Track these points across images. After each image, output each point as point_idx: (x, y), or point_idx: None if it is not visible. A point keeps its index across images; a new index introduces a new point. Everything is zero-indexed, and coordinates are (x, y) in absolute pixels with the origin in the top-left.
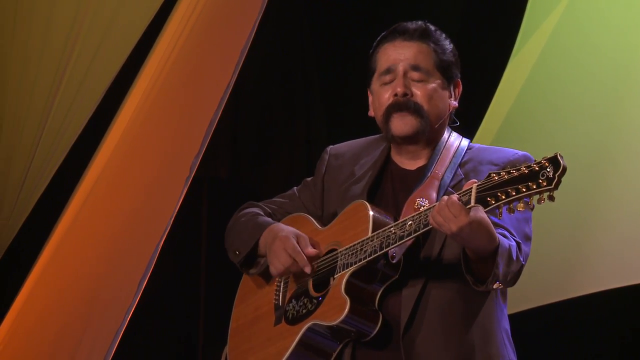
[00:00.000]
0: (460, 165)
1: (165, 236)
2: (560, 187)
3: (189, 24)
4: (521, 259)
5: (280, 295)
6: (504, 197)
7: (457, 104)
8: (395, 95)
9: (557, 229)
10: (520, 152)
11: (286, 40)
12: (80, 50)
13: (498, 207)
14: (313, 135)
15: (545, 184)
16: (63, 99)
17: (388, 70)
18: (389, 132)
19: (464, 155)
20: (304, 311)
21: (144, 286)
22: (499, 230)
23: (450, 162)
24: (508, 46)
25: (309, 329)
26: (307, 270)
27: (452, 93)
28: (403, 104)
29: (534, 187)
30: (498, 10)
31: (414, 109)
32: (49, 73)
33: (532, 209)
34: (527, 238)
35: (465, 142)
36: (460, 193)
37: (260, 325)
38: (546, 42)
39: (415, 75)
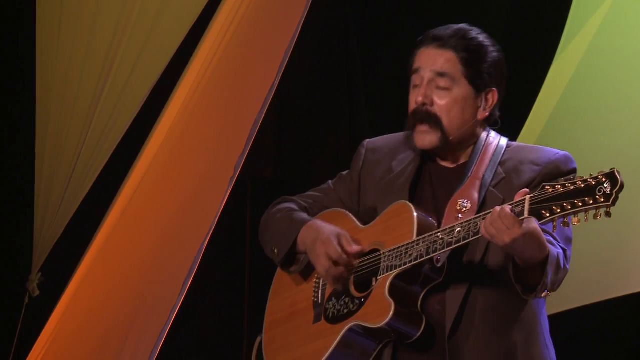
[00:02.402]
0: (500, 163)
1: (209, 236)
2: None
3: (233, 24)
4: (567, 266)
5: (320, 292)
6: (559, 210)
7: (487, 114)
8: (417, 103)
9: (606, 228)
10: (561, 152)
11: (330, 40)
12: (125, 51)
13: (552, 220)
14: (357, 135)
15: (602, 199)
16: (108, 99)
17: (416, 70)
18: (412, 142)
19: (503, 153)
20: (345, 311)
21: (188, 285)
22: (546, 237)
23: (490, 161)
24: (553, 45)
25: (350, 329)
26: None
27: (484, 102)
28: (420, 114)
29: (591, 202)
30: (543, 9)
31: (432, 120)
32: (93, 74)
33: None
34: (569, 241)
35: (504, 141)
36: (513, 204)
37: (298, 322)
38: (591, 40)
39: (440, 82)
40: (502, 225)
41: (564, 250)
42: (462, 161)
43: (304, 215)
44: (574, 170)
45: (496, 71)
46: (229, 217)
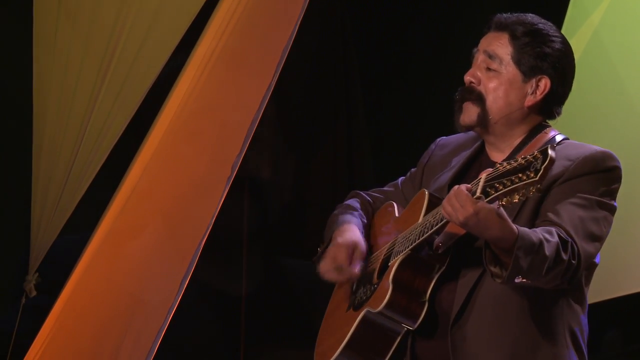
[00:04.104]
0: None
1: (206, 236)
2: None
3: (231, 22)
4: (564, 257)
5: (356, 282)
6: (501, 187)
7: (535, 102)
8: (465, 82)
9: None
10: (600, 149)
11: (328, 39)
12: (122, 51)
13: (498, 197)
14: (354, 135)
15: (532, 174)
16: (105, 99)
17: (474, 53)
18: (457, 123)
19: None
20: (364, 298)
21: (185, 286)
22: (548, 228)
23: None
24: None
25: (365, 316)
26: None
27: (533, 89)
28: (464, 90)
29: (524, 178)
30: (540, 9)
31: (474, 96)
32: (91, 73)
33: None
34: (592, 237)
35: (559, 138)
36: (473, 183)
37: (338, 312)
38: (588, 41)
39: (490, 63)
40: (456, 202)
41: (565, 242)
42: (507, 155)
43: (348, 217)
44: (613, 169)
45: (552, 60)
46: (226, 217)
